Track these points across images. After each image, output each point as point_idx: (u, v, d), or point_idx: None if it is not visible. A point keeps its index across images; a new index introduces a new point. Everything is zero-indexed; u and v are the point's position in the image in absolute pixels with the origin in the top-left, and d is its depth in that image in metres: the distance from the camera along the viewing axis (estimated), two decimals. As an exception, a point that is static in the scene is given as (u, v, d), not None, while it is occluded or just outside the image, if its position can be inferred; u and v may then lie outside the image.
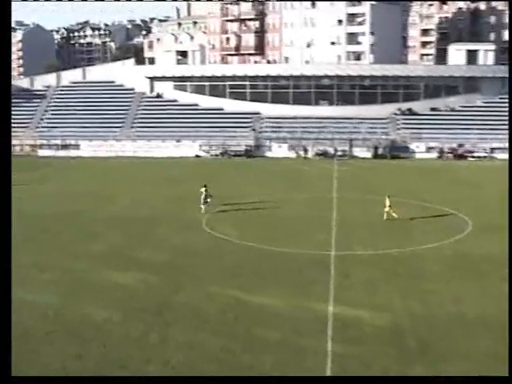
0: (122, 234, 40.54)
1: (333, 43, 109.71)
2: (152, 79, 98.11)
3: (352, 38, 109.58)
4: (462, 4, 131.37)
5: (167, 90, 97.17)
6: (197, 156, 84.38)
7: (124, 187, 59.06)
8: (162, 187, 52.77)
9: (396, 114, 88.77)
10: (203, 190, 47.66)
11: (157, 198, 52.22)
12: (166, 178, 54.93)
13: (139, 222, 44.11)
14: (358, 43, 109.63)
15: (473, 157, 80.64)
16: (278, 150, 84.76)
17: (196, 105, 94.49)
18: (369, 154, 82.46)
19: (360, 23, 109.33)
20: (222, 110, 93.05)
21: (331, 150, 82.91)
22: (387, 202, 43.61)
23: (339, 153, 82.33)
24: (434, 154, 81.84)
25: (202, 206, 46.72)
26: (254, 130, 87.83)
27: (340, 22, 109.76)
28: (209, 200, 46.86)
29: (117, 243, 38.23)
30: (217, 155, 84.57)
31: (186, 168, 71.91)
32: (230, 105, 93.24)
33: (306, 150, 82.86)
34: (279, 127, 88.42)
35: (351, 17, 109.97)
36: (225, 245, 37.79)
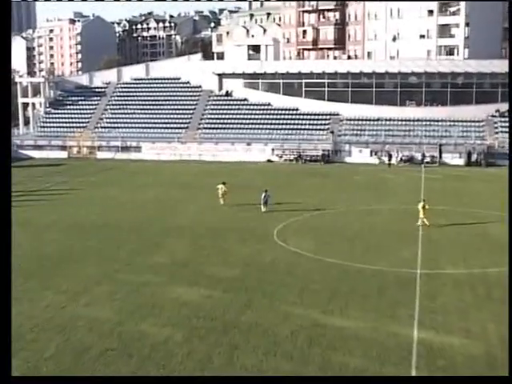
0: (186, 246, 41.07)
1: (422, 36, 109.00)
2: (221, 76, 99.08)
3: (444, 30, 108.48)
4: None
5: (237, 87, 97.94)
6: (269, 161, 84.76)
7: (188, 194, 59.88)
8: (230, 195, 53.21)
9: (493, 116, 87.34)
10: (220, 186, 52.98)
11: (224, 207, 52.76)
12: (234, 185, 55.37)
13: (205, 232, 44.66)
14: (451, 36, 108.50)
15: None
16: (359, 156, 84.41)
17: (268, 104, 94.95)
18: (461, 161, 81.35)
19: (454, 13, 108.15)
20: (298, 110, 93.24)
21: (418, 156, 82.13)
22: (421, 207, 45.20)
23: (427, 159, 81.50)
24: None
25: (262, 206, 50.14)
26: (332, 132, 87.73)
27: (430, 12, 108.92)
28: (266, 199, 50.25)
29: (181, 255, 38.75)
30: (291, 160, 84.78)
31: (257, 174, 72.27)
32: (306, 105, 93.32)
33: (389, 156, 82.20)
34: (360, 130, 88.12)
35: (444, 6, 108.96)
36: (298, 259, 37.87)
